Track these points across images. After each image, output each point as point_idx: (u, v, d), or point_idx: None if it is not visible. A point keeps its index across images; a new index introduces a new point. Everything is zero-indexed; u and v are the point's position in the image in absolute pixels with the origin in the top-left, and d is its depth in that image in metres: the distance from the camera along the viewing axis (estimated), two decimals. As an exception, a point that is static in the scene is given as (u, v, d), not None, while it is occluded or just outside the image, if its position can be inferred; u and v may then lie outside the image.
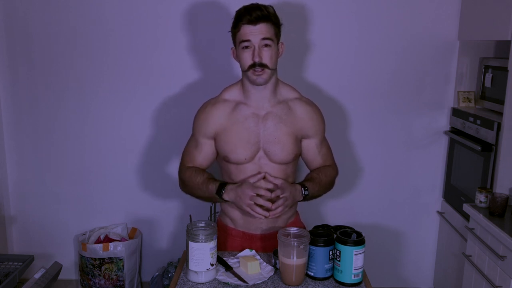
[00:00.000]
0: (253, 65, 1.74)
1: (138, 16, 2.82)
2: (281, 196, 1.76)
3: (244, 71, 1.79)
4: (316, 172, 1.93)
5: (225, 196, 1.80)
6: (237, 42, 1.77)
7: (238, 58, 1.80)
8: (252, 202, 1.74)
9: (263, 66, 1.74)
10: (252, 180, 1.80)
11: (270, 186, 1.80)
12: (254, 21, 1.71)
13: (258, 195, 1.75)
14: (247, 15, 1.71)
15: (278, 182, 1.80)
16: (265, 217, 1.75)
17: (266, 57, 1.74)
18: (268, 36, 1.73)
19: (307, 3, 2.81)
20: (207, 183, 1.82)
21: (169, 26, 2.83)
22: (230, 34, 1.82)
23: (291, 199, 1.79)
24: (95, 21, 2.82)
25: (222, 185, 1.80)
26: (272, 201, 1.76)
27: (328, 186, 1.95)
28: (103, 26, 2.83)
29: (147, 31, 2.83)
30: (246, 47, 1.74)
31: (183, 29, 2.83)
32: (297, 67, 2.88)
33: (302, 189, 1.84)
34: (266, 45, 1.74)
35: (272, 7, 1.78)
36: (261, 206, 1.74)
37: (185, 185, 1.92)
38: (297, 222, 2.00)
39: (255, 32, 1.72)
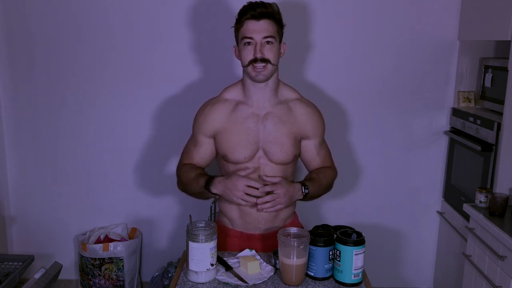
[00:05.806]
0: (254, 60, 1.73)
1: (139, 15, 2.81)
2: (274, 191, 1.75)
3: (244, 67, 1.78)
4: (315, 173, 1.93)
5: (213, 189, 1.79)
6: (240, 38, 1.77)
7: (239, 54, 1.80)
8: (243, 194, 1.73)
9: (265, 61, 1.73)
10: (241, 173, 1.80)
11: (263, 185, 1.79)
12: (257, 17, 1.72)
13: (250, 186, 1.74)
14: (251, 10, 1.72)
15: (276, 180, 1.80)
16: (256, 206, 1.77)
17: (268, 52, 1.74)
18: (270, 34, 1.73)
19: (308, 3, 2.81)
20: (198, 177, 1.82)
21: (169, 26, 2.83)
22: (231, 34, 1.82)
23: (286, 197, 1.78)
24: (96, 21, 2.82)
25: (211, 178, 1.80)
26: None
27: (327, 187, 1.95)
28: (103, 26, 2.82)
29: (147, 30, 2.83)
30: (248, 43, 1.74)
31: (184, 29, 2.83)
32: (297, 67, 2.87)
33: (303, 187, 1.83)
34: (268, 42, 1.74)
35: (277, 6, 1.78)
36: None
37: (180, 182, 1.92)
38: (295, 223, 2.00)
39: (258, 29, 1.72)
